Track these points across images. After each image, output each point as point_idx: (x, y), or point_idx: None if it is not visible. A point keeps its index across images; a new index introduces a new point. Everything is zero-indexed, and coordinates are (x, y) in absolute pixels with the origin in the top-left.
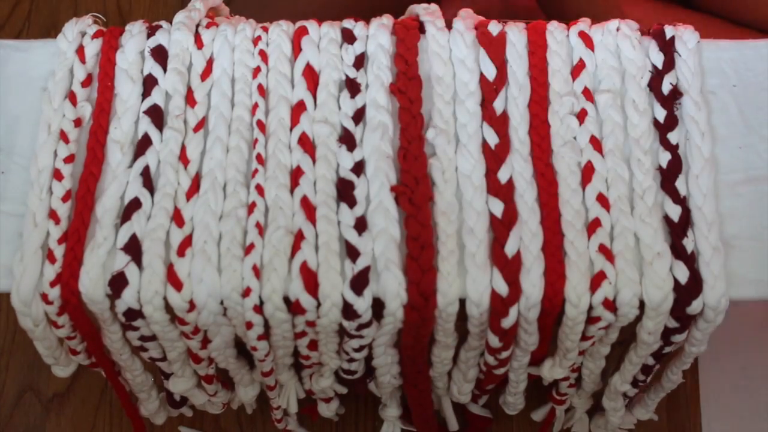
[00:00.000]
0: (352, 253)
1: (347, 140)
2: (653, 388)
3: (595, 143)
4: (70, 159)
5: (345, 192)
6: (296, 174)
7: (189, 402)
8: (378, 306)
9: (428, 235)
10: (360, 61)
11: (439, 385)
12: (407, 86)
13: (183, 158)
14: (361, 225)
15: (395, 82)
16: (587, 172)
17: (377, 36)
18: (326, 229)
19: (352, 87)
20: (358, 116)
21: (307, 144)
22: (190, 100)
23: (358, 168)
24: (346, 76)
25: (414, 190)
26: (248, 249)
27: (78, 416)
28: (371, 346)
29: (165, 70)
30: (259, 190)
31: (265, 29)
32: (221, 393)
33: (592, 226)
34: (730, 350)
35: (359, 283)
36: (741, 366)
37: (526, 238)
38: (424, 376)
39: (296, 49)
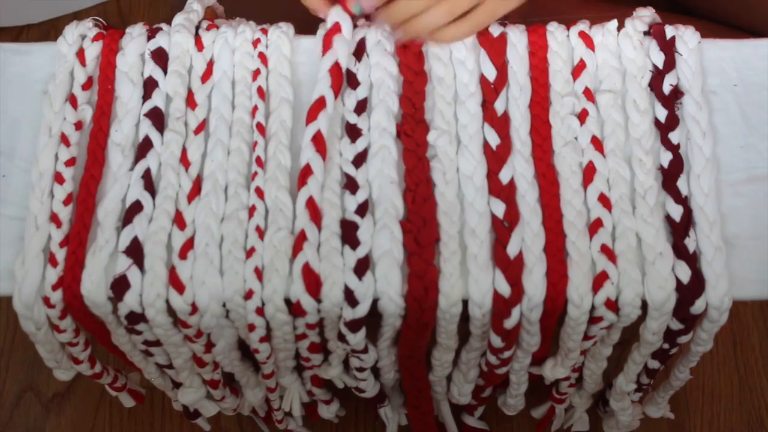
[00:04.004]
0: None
1: (351, 132)
2: (662, 386)
3: (597, 143)
4: (71, 162)
5: (350, 183)
6: (305, 173)
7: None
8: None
9: (433, 273)
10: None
11: (437, 389)
12: (414, 129)
13: (184, 161)
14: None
15: (402, 125)
16: (589, 173)
17: (379, 39)
18: (329, 211)
19: (352, 82)
20: (361, 108)
21: (320, 143)
22: (190, 102)
23: (360, 159)
24: (347, 69)
25: (420, 230)
26: (250, 251)
27: (78, 416)
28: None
29: (165, 72)
30: (259, 192)
31: (265, 31)
32: (229, 398)
33: (594, 226)
34: None
35: (360, 268)
36: None
37: (528, 239)
38: (422, 380)
39: None
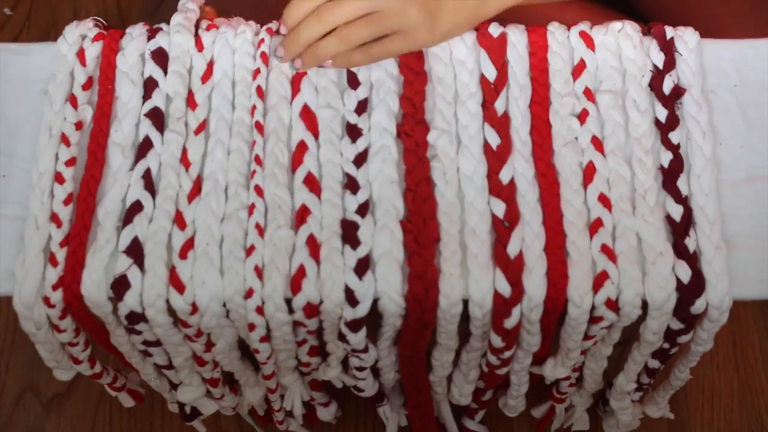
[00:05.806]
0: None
1: (351, 132)
2: (662, 386)
3: (597, 143)
4: (71, 162)
5: (350, 183)
6: (299, 150)
7: (201, 416)
8: (377, 316)
9: (433, 273)
10: None
11: (438, 390)
12: (414, 129)
13: (184, 161)
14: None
15: (402, 125)
16: (589, 172)
17: None
18: (330, 211)
19: (352, 82)
20: (361, 108)
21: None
22: (190, 102)
23: (360, 159)
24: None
25: (420, 230)
26: (249, 249)
27: (78, 416)
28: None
29: (165, 72)
30: (258, 190)
31: (270, 31)
32: (228, 397)
33: (594, 226)
34: None
35: (361, 268)
36: None
37: (528, 239)
38: (423, 381)
39: None
